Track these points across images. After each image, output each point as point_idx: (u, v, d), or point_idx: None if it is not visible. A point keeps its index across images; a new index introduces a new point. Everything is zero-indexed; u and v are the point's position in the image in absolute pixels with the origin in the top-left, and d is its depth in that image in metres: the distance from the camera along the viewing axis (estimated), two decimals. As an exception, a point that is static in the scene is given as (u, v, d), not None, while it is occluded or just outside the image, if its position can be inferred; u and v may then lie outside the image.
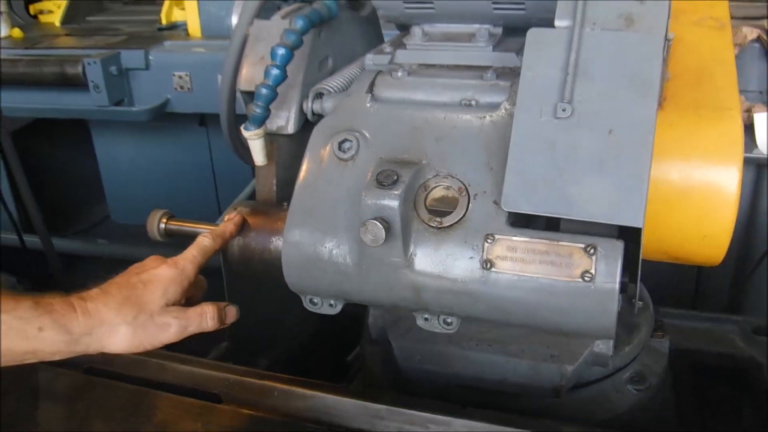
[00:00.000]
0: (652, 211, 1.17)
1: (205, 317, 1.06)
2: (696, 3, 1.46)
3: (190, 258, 1.09)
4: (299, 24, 1.16)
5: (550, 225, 0.99)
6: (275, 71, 1.13)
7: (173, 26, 3.84)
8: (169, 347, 1.07)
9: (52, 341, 0.94)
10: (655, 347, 1.59)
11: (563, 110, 0.95)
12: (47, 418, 1.35)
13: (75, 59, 3.21)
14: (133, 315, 1.00)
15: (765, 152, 2.64)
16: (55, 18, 4.07)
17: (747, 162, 2.61)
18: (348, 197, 1.06)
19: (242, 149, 1.34)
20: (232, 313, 1.11)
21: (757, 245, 2.64)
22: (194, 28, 3.63)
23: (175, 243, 1.24)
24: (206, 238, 1.14)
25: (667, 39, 0.97)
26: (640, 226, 0.91)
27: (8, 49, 3.42)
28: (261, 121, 1.17)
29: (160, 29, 3.82)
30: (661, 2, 0.97)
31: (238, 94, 1.29)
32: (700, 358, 1.79)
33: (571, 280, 0.94)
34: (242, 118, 1.29)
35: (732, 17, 3.11)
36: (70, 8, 4.07)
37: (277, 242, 1.12)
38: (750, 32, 2.96)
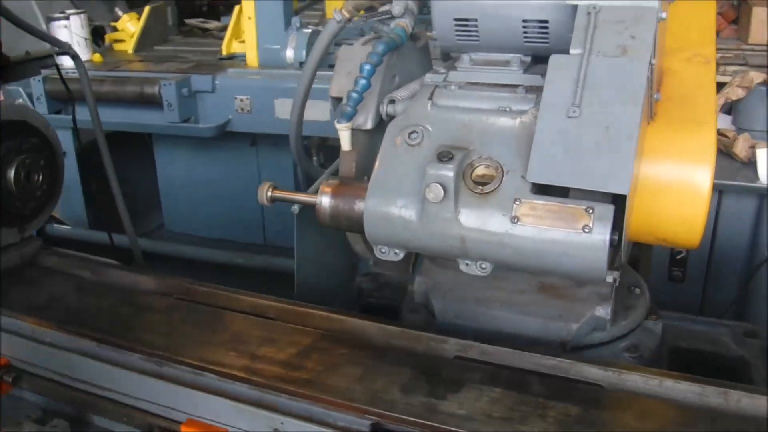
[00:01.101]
0: (642, 200, 1.56)
1: None
2: (689, 42, 1.83)
3: None
4: (380, 48, 1.57)
5: (561, 192, 1.38)
6: (363, 81, 1.54)
7: (232, 57, 4.30)
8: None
9: None
10: (649, 327, 1.92)
11: (574, 112, 1.34)
12: (152, 322, 1.81)
13: (153, 81, 3.67)
14: None
15: (765, 183, 3.00)
16: (128, 46, 4.55)
17: (750, 192, 3.00)
18: (414, 172, 1.45)
19: (303, 156, 1.77)
20: None
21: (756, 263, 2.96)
22: (252, 59, 4.08)
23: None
24: None
25: (651, 63, 1.36)
26: (626, 193, 1.29)
27: (92, 71, 3.88)
28: (350, 117, 1.57)
29: (221, 59, 4.28)
30: (646, 38, 1.36)
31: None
32: (695, 357, 2.02)
33: (575, 231, 1.33)
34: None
35: (746, 63, 3.50)
36: (141, 38, 4.55)
37: (359, 204, 1.51)
38: (757, 76, 3.34)
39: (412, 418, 1.37)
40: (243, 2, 3.95)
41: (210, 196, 4.46)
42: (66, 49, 2.46)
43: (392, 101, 1.64)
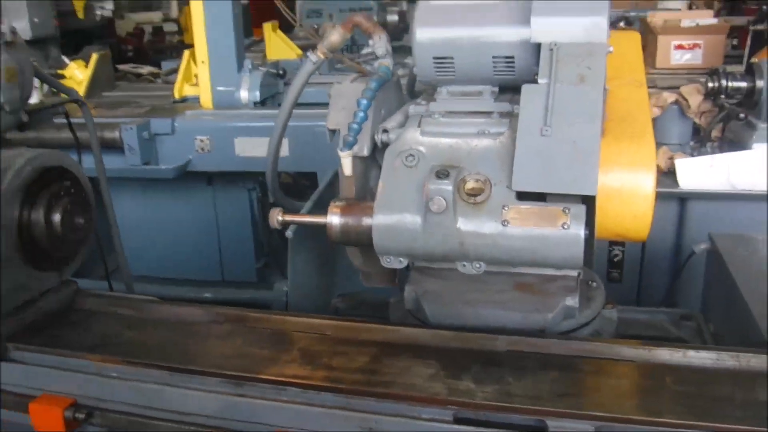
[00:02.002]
0: (599, 203, 1.86)
1: None
2: (623, 70, 2.15)
3: None
4: (374, 85, 1.83)
5: (541, 197, 1.66)
6: (361, 114, 1.80)
7: (185, 99, 4.49)
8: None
9: None
10: (606, 315, 2.22)
11: (546, 131, 1.63)
12: (218, 348, 1.91)
13: (112, 126, 3.81)
14: None
15: (685, 188, 3.40)
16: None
17: (671, 197, 3.37)
18: (414, 188, 1.71)
19: (277, 188, 1.99)
20: None
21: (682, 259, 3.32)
22: (206, 100, 4.29)
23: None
24: None
25: (604, 90, 1.66)
26: (594, 194, 1.58)
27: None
28: (351, 146, 1.82)
29: (175, 102, 4.46)
30: (599, 69, 1.66)
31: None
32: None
33: (555, 228, 1.61)
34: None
35: (655, 86, 3.91)
36: (90, 85, 4.67)
37: (367, 220, 1.75)
38: (669, 96, 3.76)
39: (492, 402, 1.53)
40: (196, 47, 4.16)
41: (167, 236, 4.56)
42: (76, 97, 2.58)
43: (385, 131, 1.89)
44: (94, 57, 4.72)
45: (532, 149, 1.63)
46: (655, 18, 5.29)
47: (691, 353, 1.71)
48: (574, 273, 2.02)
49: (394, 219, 1.71)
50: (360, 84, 1.91)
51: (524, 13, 1.76)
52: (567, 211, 1.61)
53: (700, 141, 3.72)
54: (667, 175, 3.49)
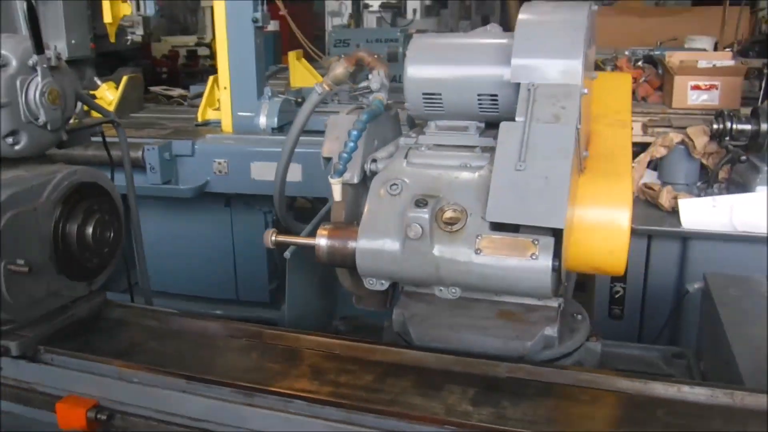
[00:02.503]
0: (577, 237, 1.94)
1: None
2: (610, 110, 2.24)
3: None
4: (364, 117, 1.95)
5: (513, 228, 1.75)
6: (351, 144, 1.91)
7: (207, 123, 4.65)
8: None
9: None
10: (590, 347, 2.29)
11: (520, 166, 1.72)
12: (233, 361, 2.05)
13: (136, 146, 3.98)
14: None
15: (687, 228, 3.45)
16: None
17: (674, 236, 3.42)
18: (396, 215, 1.81)
19: (284, 212, 2.10)
20: None
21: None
22: (227, 125, 4.44)
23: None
24: None
25: (577, 128, 1.75)
26: (562, 227, 1.67)
27: (77, 137, 4.17)
28: (341, 174, 1.93)
29: (197, 125, 4.63)
30: (573, 109, 1.76)
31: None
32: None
33: (525, 258, 1.70)
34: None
35: (670, 125, 3.95)
36: (119, 106, 4.87)
37: (352, 244, 1.85)
38: (676, 137, 3.82)
39: (486, 424, 1.61)
40: (219, 73, 4.33)
41: (184, 254, 4.70)
42: (112, 118, 2.71)
43: (374, 160, 2.01)
44: (124, 79, 4.92)
45: (507, 183, 1.73)
46: (673, 58, 5.35)
47: (686, 388, 1.76)
48: (555, 303, 2.10)
49: (376, 243, 1.81)
50: (354, 116, 2.03)
51: (507, 54, 1.86)
52: (536, 242, 1.69)
53: (707, 182, 3.76)
54: (671, 214, 3.54)
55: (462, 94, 1.99)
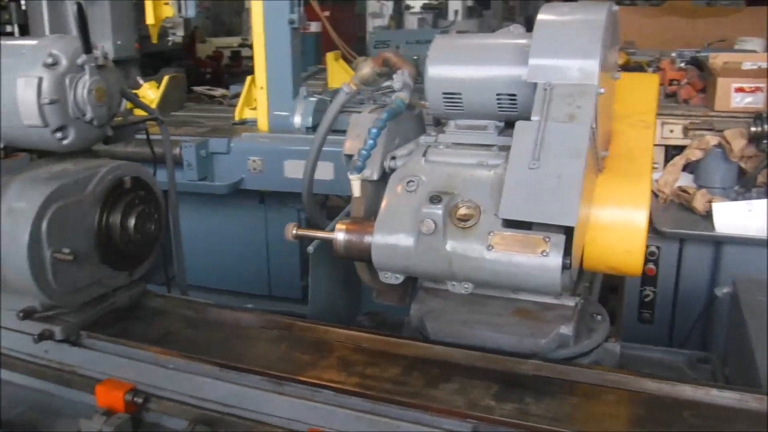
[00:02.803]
0: (593, 236, 1.95)
1: None
2: (634, 110, 2.23)
3: None
4: (384, 115, 1.99)
5: (526, 226, 1.77)
6: (371, 142, 1.95)
7: (244, 122, 4.74)
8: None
9: None
10: (608, 348, 2.29)
11: (534, 164, 1.74)
12: (264, 351, 2.10)
13: (174, 143, 4.08)
14: None
15: (721, 233, 3.40)
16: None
17: (707, 240, 3.37)
18: (412, 211, 1.85)
19: (313, 209, 2.14)
20: None
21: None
22: (263, 124, 4.52)
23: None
24: None
25: (592, 127, 1.76)
26: (573, 225, 1.68)
27: (119, 134, 4.30)
28: (360, 170, 1.98)
29: (234, 124, 4.72)
30: (588, 108, 1.77)
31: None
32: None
33: (535, 255, 1.71)
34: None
35: (712, 128, 3.88)
36: (160, 104, 4.99)
37: (368, 238, 1.90)
38: (712, 139, 3.77)
39: (508, 419, 1.64)
40: (255, 73, 4.42)
41: (219, 249, 4.82)
42: (156, 115, 2.81)
43: (393, 158, 2.05)
44: (166, 79, 5.05)
45: (520, 181, 1.75)
46: (716, 59, 5.26)
47: (714, 392, 1.76)
48: (572, 302, 2.11)
49: (391, 238, 1.85)
50: (375, 114, 2.07)
51: (526, 54, 1.88)
52: (547, 240, 1.71)
53: (744, 186, 3.70)
54: (706, 218, 3.50)
55: (481, 94, 2.01)
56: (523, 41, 1.98)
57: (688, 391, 1.77)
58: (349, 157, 2.08)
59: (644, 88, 2.34)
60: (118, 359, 2.02)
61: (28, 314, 2.05)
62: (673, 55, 6.72)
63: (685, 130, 4.30)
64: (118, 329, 2.14)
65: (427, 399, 1.73)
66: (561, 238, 1.71)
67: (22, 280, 1.96)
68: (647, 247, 3.45)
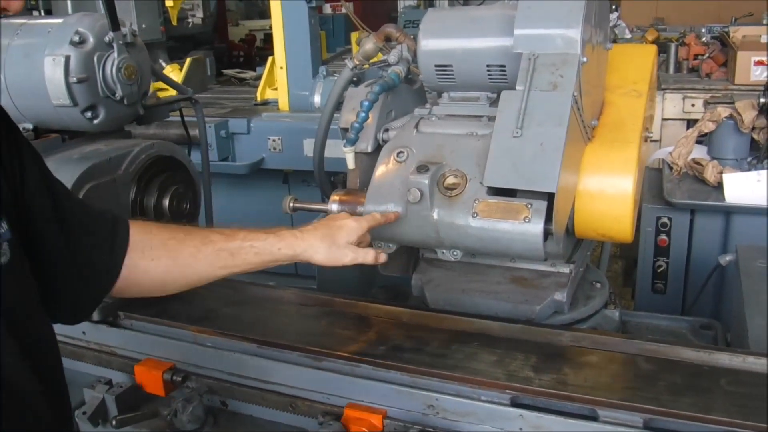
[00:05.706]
0: (583, 203, 1.99)
1: (367, 255, 1.70)
2: (627, 81, 2.25)
3: (367, 218, 1.77)
4: (376, 89, 2.05)
5: (510, 193, 1.82)
6: (362, 114, 2.02)
7: (266, 102, 4.83)
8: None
9: (284, 255, 1.65)
10: (607, 314, 2.34)
11: (517, 133, 1.79)
12: (304, 327, 2.16)
13: (194, 124, 4.19)
14: (328, 244, 1.67)
15: (730, 203, 3.40)
16: (170, 94, 5.12)
17: (717, 211, 3.38)
18: (401, 182, 1.91)
19: (326, 185, 2.21)
20: (382, 257, 1.75)
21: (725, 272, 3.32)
22: (284, 104, 4.60)
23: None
24: (376, 215, 1.81)
25: (574, 95, 1.80)
26: (554, 191, 1.73)
27: (143, 115, 4.43)
28: (353, 143, 2.05)
29: (256, 104, 4.82)
30: (571, 77, 1.81)
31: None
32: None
33: (518, 221, 1.77)
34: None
35: (732, 102, 3.85)
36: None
37: (360, 209, 1.97)
38: (723, 111, 3.75)
39: (548, 390, 1.66)
40: (275, 53, 4.50)
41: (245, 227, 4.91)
42: (189, 95, 2.81)
43: (386, 130, 2.11)
44: (188, 61, 5.17)
45: (504, 149, 1.80)
46: (737, 33, 5.21)
47: (751, 359, 1.77)
48: (566, 269, 2.16)
49: (381, 208, 1.92)
50: (369, 88, 2.14)
51: (512, 25, 1.93)
52: (529, 206, 1.76)
53: (757, 157, 3.68)
54: (717, 189, 3.49)
55: (472, 66, 2.06)
56: (513, 12, 2.02)
57: (725, 359, 1.79)
58: (345, 130, 2.15)
59: (640, 58, 2.36)
60: (156, 338, 2.03)
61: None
62: (704, 30, 6.64)
63: (706, 104, 4.28)
64: (155, 309, 2.13)
65: (466, 371, 1.74)
66: (543, 204, 1.76)
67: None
68: (658, 218, 3.50)
